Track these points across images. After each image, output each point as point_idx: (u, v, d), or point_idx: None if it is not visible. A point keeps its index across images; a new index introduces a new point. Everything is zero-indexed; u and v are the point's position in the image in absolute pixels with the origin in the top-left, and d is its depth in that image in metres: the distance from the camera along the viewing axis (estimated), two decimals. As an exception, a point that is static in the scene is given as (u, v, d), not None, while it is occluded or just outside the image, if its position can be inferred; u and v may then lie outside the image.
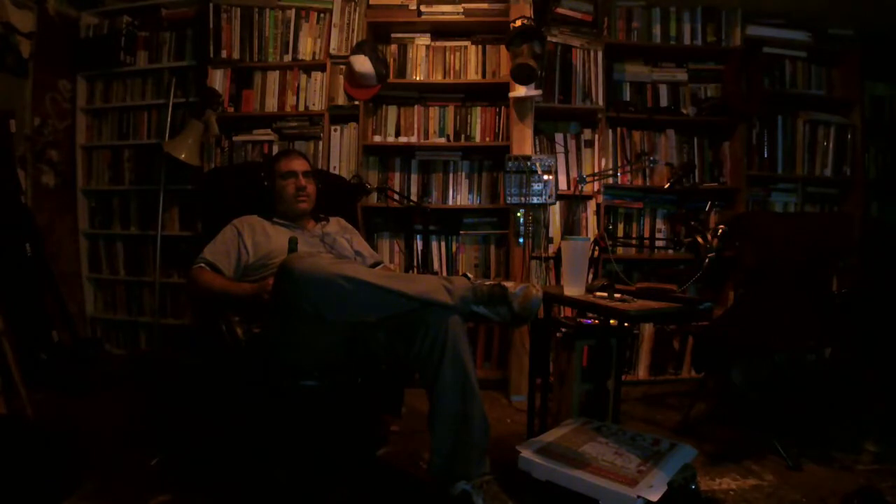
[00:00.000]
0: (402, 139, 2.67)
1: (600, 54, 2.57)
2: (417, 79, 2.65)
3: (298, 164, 1.77)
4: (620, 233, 2.68)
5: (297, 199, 1.75)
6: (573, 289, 1.59)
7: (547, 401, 1.79)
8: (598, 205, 2.57)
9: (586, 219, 2.59)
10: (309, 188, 1.76)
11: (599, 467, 1.35)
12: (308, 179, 1.77)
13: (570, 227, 2.56)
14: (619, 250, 2.67)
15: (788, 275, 2.09)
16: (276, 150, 2.63)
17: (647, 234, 2.71)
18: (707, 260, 1.66)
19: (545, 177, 2.35)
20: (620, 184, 2.66)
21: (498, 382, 2.50)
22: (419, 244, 2.58)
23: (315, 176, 1.83)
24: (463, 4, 2.60)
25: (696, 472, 1.42)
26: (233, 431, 1.66)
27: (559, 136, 2.64)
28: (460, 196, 2.68)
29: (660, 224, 2.72)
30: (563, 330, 1.86)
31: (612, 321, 1.83)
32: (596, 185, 2.55)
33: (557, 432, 1.57)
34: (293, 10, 2.67)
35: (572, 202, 2.57)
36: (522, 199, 2.35)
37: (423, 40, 2.66)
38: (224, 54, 2.68)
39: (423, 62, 2.66)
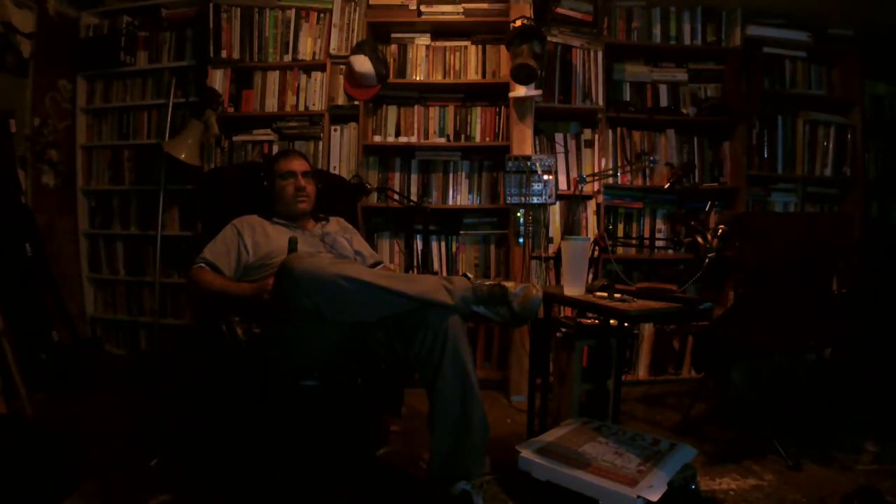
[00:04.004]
0: (402, 139, 2.66)
1: (600, 54, 2.57)
2: (417, 79, 2.65)
3: (298, 165, 1.77)
4: (620, 233, 2.68)
5: (296, 199, 1.74)
6: (573, 289, 1.59)
7: (547, 401, 1.79)
8: (598, 205, 2.57)
9: (586, 219, 2.59)
10: (308, 188, 1.76)
11: (599, 467, 1.35)
12: (307, 179, 1.77)
13: (570, 227, 2.56)
14: (619, 250, 2.67)
15: (788, 275, 2.09)
16: (276, 150, 2.63)
17: (647, 234, 2.71)
18: (707, 260, 1.66)
19: (545, 177, 2.35)
20: (620, 184, 2.66)
21: (498, 382, 2.50)
22: (419, 244, 2.59)
23: (315, 176, 1.83)
24: (463, 4, 2.59)
25: (696, 472, 1.43)
26: (233, 431, 1.66)
27: (559, 136, 2.64)
28: (460, 196, 2.68)
29: (660, 224, 2.72)
30: (563, 330, 1.86)
31: (612, 321, 1.83)
32: (596, 185, 2.55)
33: (557, 432, 1.57)
34: (293, 10, 2.67)
35: (572, 202, 2.57)
36: (522, 199, 2.35)
37: (423, 40, 2.66)
38: (224, 54, 2.68)
39: (423, 62, 2.66)
